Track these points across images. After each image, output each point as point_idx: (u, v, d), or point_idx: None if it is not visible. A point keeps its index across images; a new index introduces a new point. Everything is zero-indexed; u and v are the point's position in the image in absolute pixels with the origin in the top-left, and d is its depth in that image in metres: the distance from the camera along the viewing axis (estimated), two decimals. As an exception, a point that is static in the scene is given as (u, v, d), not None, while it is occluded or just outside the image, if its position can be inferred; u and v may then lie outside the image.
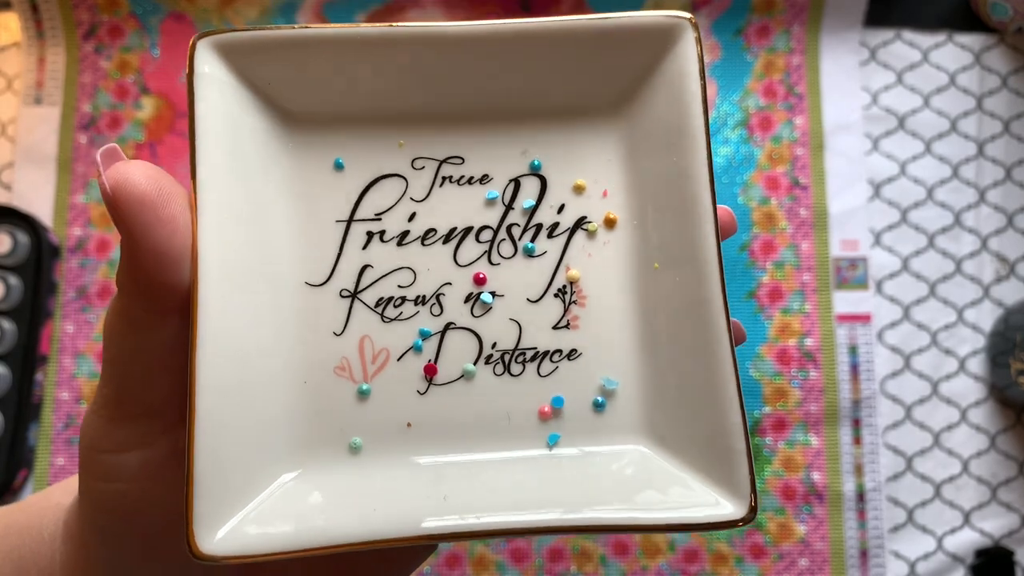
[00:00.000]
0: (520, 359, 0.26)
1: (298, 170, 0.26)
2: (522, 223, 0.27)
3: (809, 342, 0.58)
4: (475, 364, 0.26)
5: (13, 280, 0.56)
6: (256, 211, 0.25)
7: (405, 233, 0.27)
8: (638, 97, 0.27)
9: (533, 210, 0.27)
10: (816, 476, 0.57)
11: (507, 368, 0.26)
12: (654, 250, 0.26)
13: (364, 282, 0.26)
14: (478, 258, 0.27)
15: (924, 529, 0.57)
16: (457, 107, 0.27)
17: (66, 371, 0.57)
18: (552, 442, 0.26)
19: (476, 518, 0.23)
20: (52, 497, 0.28)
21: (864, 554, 0.56)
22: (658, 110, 0.26)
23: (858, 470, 0.57)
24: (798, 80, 0.61)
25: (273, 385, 0.25)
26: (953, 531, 0.57)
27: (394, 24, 0.24)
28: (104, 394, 0.23)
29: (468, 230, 0.27)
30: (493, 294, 0.27)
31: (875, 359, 0.58)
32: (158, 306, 0.22)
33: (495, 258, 0.27)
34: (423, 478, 0.25)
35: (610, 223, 0.27)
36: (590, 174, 0.27)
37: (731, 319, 0.24)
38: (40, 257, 0.56)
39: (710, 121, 0.24)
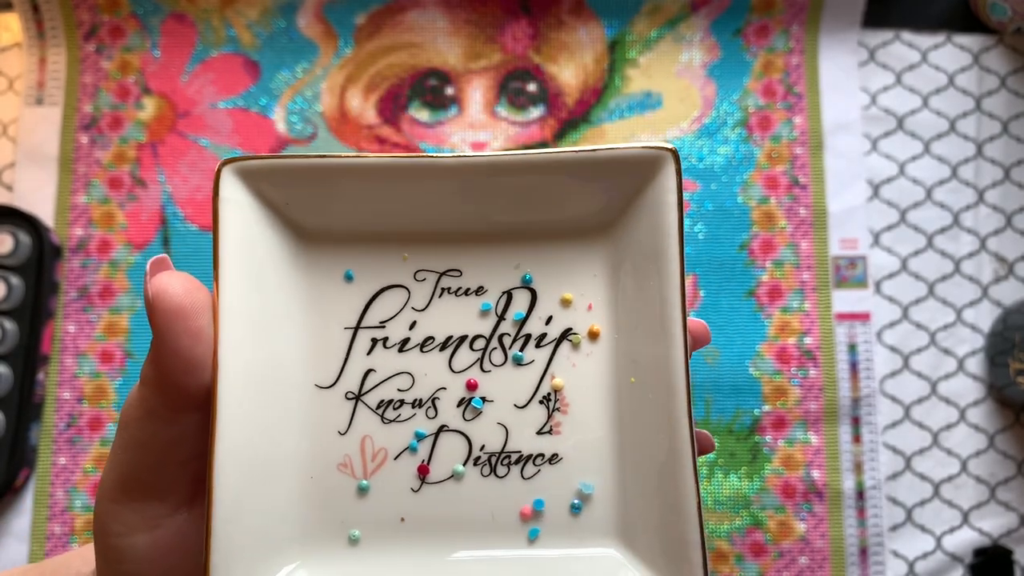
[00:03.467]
0: (506, 462, 0.28)
1: (311, 281, 0.28)
2: (512, 333, 0.29)
3: (808, 340, 0.58)
4: (464, 465, 0.28)
5: (15, 280, 0.56)
6: (272, 320, 0.27)
7: (406, 340, 0.29)
8: (623, 219, 0.28)
9: (523, 321, 0.29)
10: (816, 474, 0.57)
11: (493, 470, 0.28)
12: (631, 365, 0.28)
13: (367, 385, 0.28)
14: (471, 365, 0.28)
15: (923, 528, 0.57)
16: (457, 225, 0.28)
17: (68, 371, 0.57)
18: (533, 536, 0.28)
19: None
20: (72, 566, 0.29)
21: (864, 552, 0.56)
22: (640, 234, 0.27)
23: (858, 468, 0.57)
24: (797, 80, 0.61)
25: (282, 480, 0.27)
26: (952, 530, 0.57)
27: (398, 155, 0.26)
28: (113, 478, 0.25)
29: (463, 338, 0.29)
30: (484, 399, 0.28)
31: (874, 358, 0.58)
32: (177, 403, 0.24)
33: (487, 365, 0.29)
34: (413, 570, 0.27)
35: (593, 335, 0.29)
36: (577, 288, 0.29)
37: (697, 433, 0.26)
38: (42, 257, 0.56)
39: (684, 244, 0.27)
